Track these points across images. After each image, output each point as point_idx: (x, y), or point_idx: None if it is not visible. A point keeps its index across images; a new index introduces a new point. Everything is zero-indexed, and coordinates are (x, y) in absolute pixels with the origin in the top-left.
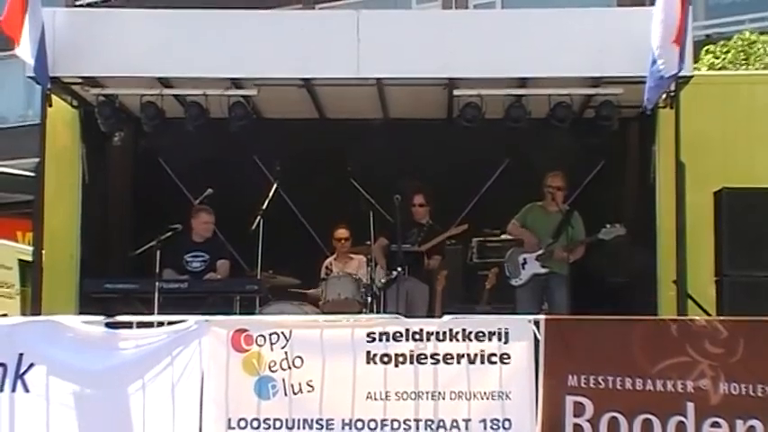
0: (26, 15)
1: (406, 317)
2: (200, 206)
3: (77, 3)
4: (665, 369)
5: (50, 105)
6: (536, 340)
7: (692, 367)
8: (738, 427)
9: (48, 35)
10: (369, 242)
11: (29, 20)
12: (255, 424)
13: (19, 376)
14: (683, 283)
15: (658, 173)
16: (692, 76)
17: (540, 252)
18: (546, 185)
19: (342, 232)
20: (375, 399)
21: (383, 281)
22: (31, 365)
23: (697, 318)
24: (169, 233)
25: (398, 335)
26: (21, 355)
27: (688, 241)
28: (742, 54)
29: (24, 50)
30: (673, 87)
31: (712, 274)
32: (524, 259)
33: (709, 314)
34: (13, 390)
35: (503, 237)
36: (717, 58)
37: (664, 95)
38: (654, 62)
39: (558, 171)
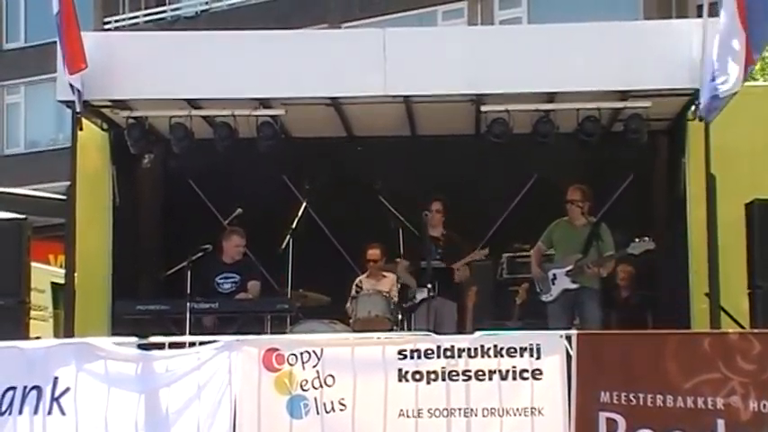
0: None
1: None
2: (233, 228)
3: (106, 26)
4: (698, 385)
5: (81, 129)
6: (568, 355)
7: (723, 384)
8: None
9: None
10: (398, 260)
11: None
12: None
13: (54, 399)
14: (716, 296)
15: (688, 185)
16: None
17: (569, 267)
18: (566, 200)
19: (373, 253)
20: (407, 416)
21: (412, 300)
22: (67, 389)
23: (730, 331)
24: (200, 253)
25: (430, 352)
26: (56, 378)
27: (720, 253)
28: None
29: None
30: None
31: (745, 286)
32: (554, 275)
33: (742, 326)
34: (49, 412)
35: (532, 252)
36: None
37: (693, 107)
38: (713, 78)
39: (578, 184)
